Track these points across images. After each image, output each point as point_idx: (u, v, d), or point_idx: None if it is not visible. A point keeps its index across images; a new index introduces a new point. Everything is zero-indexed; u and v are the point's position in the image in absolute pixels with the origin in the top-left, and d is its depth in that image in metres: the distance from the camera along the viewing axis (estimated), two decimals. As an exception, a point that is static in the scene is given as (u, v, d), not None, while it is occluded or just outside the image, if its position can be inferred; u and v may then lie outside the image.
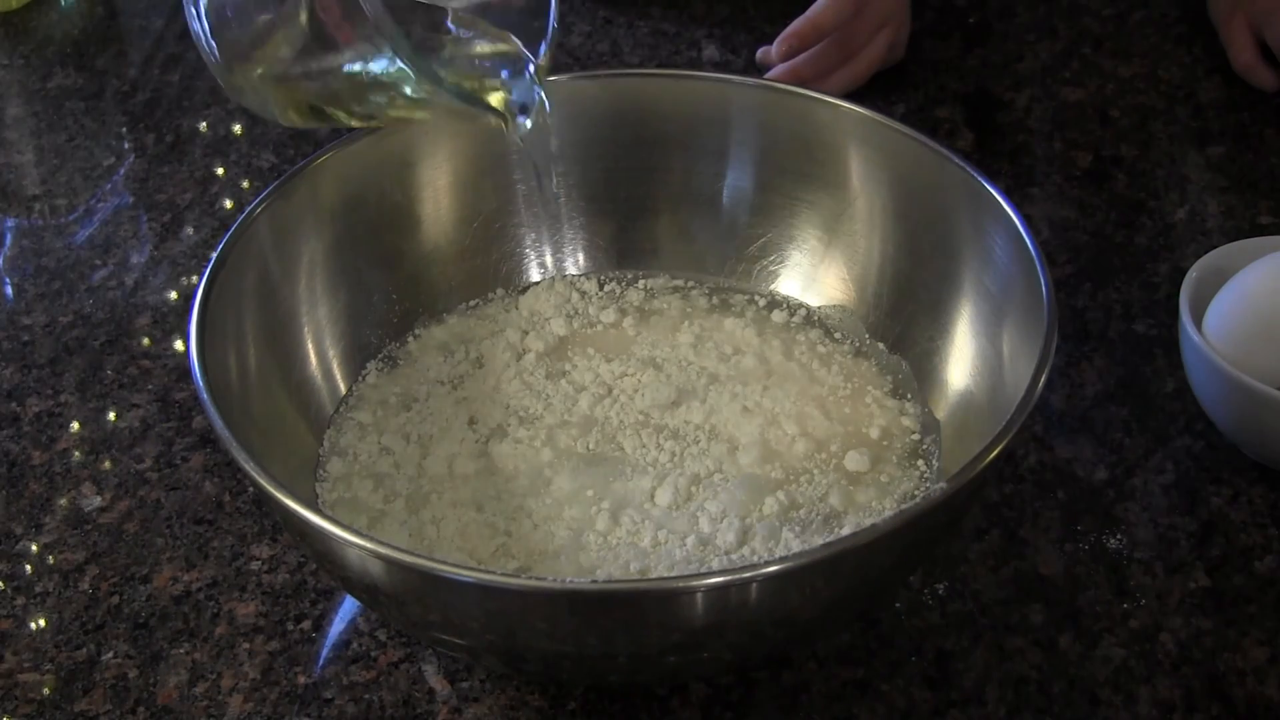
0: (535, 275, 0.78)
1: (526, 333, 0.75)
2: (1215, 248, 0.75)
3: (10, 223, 0.91)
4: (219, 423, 0.57)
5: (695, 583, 0.53)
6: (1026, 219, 0.63)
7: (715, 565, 0.62)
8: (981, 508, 0.70)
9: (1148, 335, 0.79)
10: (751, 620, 0.54)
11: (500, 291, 0.77)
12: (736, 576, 0.52)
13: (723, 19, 1.06)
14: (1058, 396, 0.75)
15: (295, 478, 0.66)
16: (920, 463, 0.68)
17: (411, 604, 0.56)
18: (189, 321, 0.61)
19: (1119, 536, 0.69)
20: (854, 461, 0.67)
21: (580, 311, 0.76)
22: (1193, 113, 0.96)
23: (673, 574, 0.61)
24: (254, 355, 0.67)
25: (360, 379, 0.73)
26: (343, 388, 0.72)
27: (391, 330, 0.75)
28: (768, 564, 0.53)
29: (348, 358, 0.73)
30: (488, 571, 0.53)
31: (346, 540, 0.53)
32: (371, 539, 0.52)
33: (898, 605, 0.65)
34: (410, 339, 0.75)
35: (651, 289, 0.78)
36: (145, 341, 0.82)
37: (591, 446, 0.68)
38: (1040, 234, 0.85)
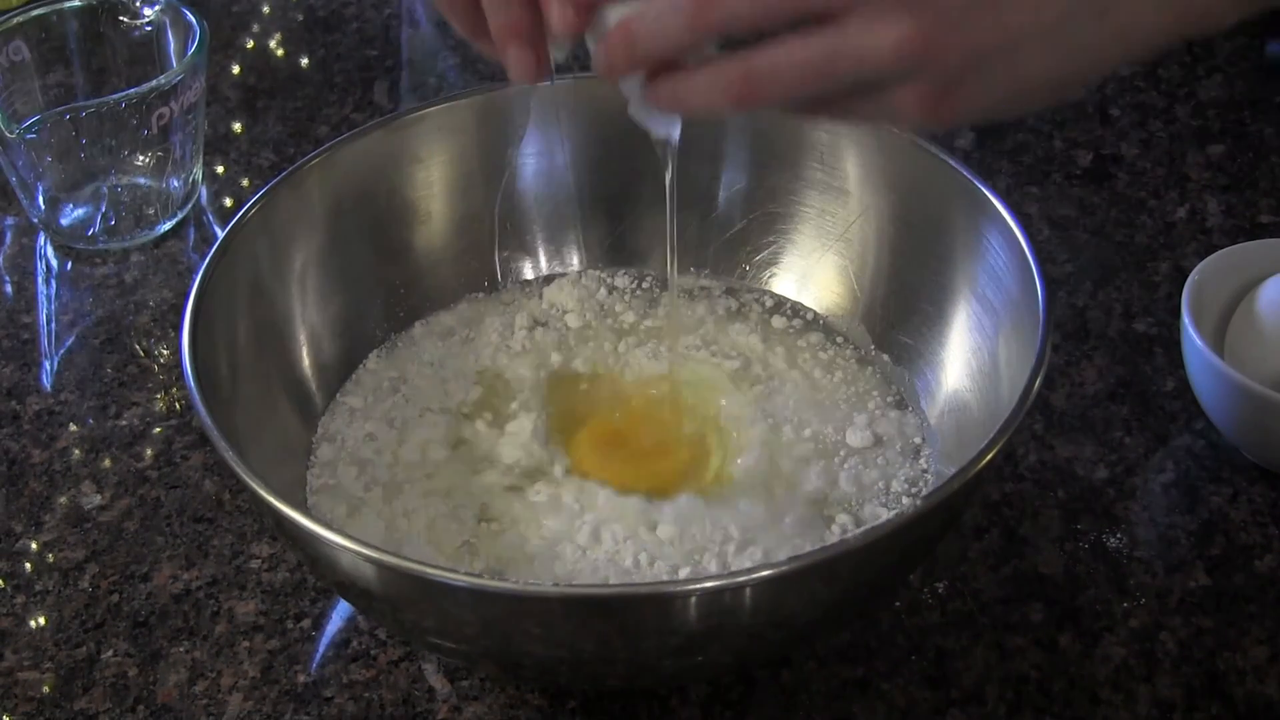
0: (530, 277, 0.78)
1: (539, 324, 0.75)
2: (1216, 246, 0.75)
3: (10, 220, 0.91)
4: (210, 424, 0.56)
5: (693, 587, 0.53)
6: (1026, 218, 0.63)
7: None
8: (981, 507, 0.70)
9: (1148, 334, 0.79)
10: (750, 624, 0.54)
11: (505, 286, 0.78)
12: (733, 580, 0.52)
13: (723, 17, 1.06)
14: (1058, 395, 0.75)
15: (289, 466, 0.66)
16: (921, 460, 0.68)
17: (405, 609, 0.56)
18: (182, 319, 0.61)
19: (1119, 535, 0.69)
20: (855, 438, 0.68)
21: (591, 309, 0.76)
22: (1193, 111, 0.96)
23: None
24: (251, 350, 0.67)
25: (361, 365, 0.73)
26: (342, 378, 0.72)
27: (395, 326, 0.75)
28: (765, 567, 0.52)
29: (347, 352, 0.73)
30: (477, 575, 0.52)
31: (335, 544, 0.52)
32: (354, 539, 0.52)
33: (897, 604, 0.65)
34: (417, 325, 0.75)
35: (656, 291, 0.77)
36: (145, 340, 0.82)
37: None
38: (1040, 233, 0.85)
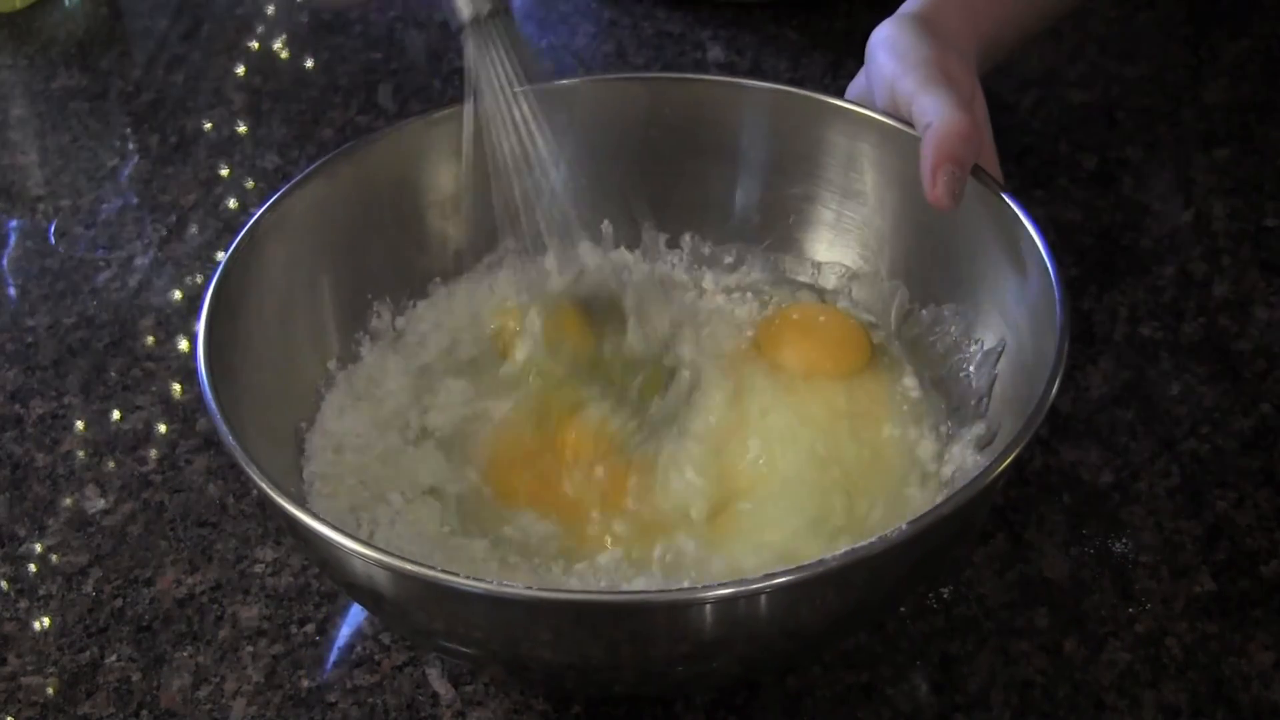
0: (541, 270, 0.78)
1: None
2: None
3: (14, 223, 0.91)
4: (224, 428, 0.56)
5: (707, 594, 0.52)
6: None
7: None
8: (987, 511, 0.69)
9: (1153, 338, 0.79)
10: (762, 632, 0.54)
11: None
12: (745, 588, 0.51)
13: (727, 20, 1.06)
14: (1063, 399, 0.75)
15: (284, 453, 0.66)
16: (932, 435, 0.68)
17: (415, 612, 0.55)
18: (197, 322, 0.61)
19: (1124, 540, 0.68)
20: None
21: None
22: (1198, 115, 0.96)
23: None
24: (266, 352, 0.66)
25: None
26: (345, 365, 0.72)
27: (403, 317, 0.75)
28: (777, 575, 0.52)
29: (353, 346, 0.72)
30: (489, 581, 0.52)
31: (352, 550, 0.52)
32: (373, 547, 0.52)
33: (903, 609, 0.65)
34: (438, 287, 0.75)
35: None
36: (149, 343, 0.82)
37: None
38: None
